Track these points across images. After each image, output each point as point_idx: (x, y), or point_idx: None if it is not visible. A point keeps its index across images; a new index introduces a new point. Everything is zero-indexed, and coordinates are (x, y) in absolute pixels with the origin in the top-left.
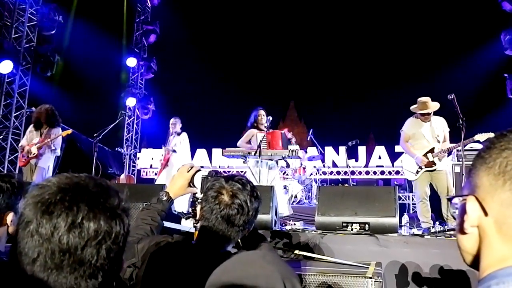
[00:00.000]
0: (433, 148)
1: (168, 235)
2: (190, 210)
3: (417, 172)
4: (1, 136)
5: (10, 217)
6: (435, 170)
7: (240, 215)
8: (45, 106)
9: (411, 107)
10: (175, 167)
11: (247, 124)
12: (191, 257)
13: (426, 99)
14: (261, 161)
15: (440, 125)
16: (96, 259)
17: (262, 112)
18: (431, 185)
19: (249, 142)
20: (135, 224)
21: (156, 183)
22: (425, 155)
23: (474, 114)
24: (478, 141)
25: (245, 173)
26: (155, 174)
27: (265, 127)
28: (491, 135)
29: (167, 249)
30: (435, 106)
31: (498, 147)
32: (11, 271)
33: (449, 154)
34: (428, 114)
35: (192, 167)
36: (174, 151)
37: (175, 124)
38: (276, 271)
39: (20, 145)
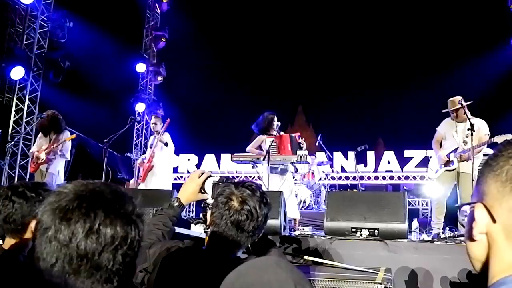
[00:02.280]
0: (457, 148)
1: (178, 240)
2: (201, 215)
3: (437, 171)
4: (13, 142)
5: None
6: (454, 170)
7: (250, 221)
8: (49, 112)
9: (443, 111)
10: (158, 168)
11: (255, 129)
12: (201, 263)
13: (455, 97)
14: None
15: (474, 126)
16: (112, 264)
17: (275, 117)
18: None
19: (259, 147)
20: (147, 229)
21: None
22: (448, 154)
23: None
24: (496, 143)
25: (253, 178)
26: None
27: (275, 131)
28: (509, 136)
29: (178, 254)
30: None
31: (506, 155)
32: (29, 275)
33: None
34: (458, 111)
35: (203, 173)
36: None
37: (156, 123)
38: (289, 277)
39: (31, 151)
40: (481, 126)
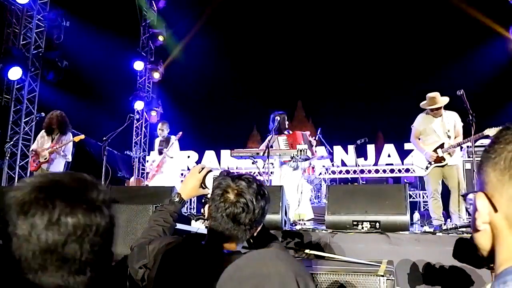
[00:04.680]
0: (443, 144)
1: (178, 236)
2: (202, 211)
3: (427, 168)
4: (12, 142)
5: None
6: (445, 165)
7: (246, 214)
8: (56, 112)
9: (421, 104)
10: (168, 172)
11: (270, 129)
12: (201, 257)
13: (435, 94)
14: (283, 163)
15: (451, 120)
16: (81, 254)
17: (285, 116)
18: (443, 182)
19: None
20: (147, 226)
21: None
22: (434, 150)
23: (485, 110)
24: (488, 136)
25: (254, 173)
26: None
27: (286, 130)
28: None
29: (178, 250)
30: (444, 100)
31: (503, 141)
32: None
33: (461, 149)
34: (438, 109)
35: (203, 168)
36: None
37: (163, 129)
38: (289, 269)
39: (31, 149)
40: (456, 119)
